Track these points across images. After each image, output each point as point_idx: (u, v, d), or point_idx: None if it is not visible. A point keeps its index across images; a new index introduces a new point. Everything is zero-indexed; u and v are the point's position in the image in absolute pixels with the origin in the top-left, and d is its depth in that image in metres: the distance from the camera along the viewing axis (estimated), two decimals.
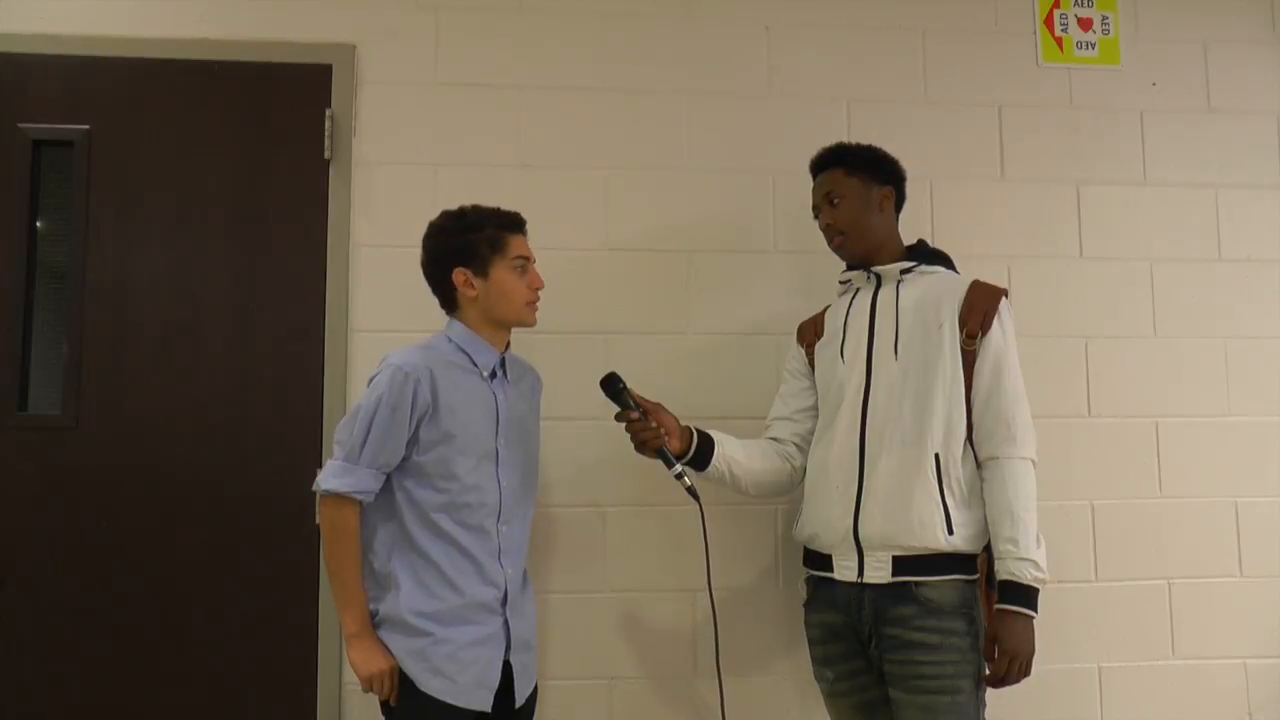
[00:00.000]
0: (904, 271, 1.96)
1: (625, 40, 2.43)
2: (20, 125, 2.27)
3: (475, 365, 1.88)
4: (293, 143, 2.32)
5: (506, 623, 1.84)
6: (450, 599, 1.79)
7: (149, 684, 2.18)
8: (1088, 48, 2.57)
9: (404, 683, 1.77)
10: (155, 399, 2.24)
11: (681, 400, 2.33)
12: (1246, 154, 2.57)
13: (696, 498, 1.94)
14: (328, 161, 2.31)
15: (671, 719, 2.28)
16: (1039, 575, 1.77)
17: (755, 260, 2.41)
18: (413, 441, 1.79)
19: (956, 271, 2.02)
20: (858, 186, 1.99)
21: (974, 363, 1.86)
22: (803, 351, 2.13)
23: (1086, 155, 2.52)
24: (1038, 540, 1.79)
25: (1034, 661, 1.79)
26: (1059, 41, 2.57)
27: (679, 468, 1.94)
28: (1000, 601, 1.78)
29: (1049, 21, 2.57)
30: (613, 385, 1.96)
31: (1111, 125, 2.55)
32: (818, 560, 1.96)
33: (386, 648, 1.78)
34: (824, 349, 2.06)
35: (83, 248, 2.26)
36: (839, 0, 2.51)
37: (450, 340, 1.90)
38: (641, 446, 1.95)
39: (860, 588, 1.85)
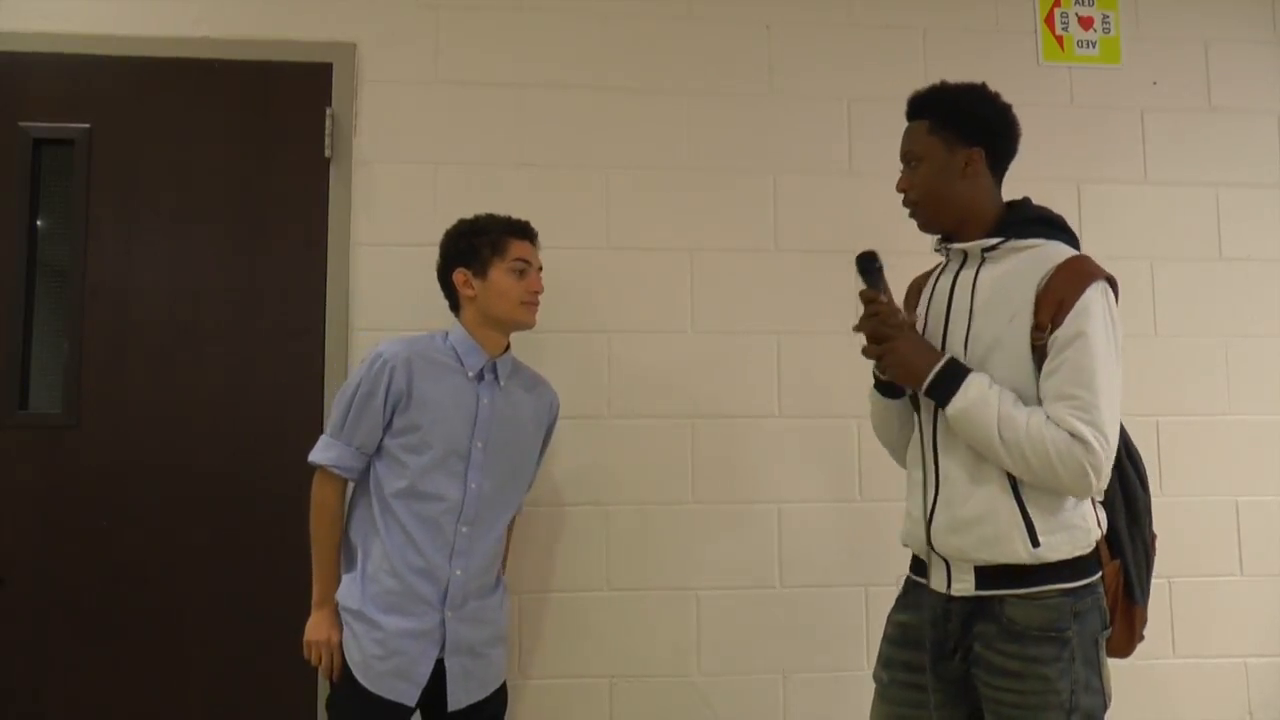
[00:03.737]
0: (987, 250, 1.63)
1: (625, 40, 2.43)
2: (21, 124, 2.27)
3: (462, 365, 1.91)
4: (293, 141, 2.32)
5: (444, 622, 1.84)
6: (389, 584, 1.82)
7: (149, 684, 2.18)
8: (1088, 46, 2.57)
9: (346, 666, 1.83)
10: (155, 398, 2.24)
11: (683, 398, 2.33)
12: (1247, 153, 2.57)
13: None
14: (328, 160, 2.31)
15: (671, 719, 2.28)
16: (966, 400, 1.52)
17: (755, 260, 2.41)
18: (387, 427, 1.86)
19: (1075, 240, 1.66)
20: (938, 149, 1.65)
21: (1044, 361, 1.53)
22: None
23: (1087, 154, 2.52)
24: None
25: None
26: (1059, 40, 2.57)
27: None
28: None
29: (1049, 20, 2.57)
30: (870, 263, 1.65)
31: (1112, 124, 2.54)
32: (915, 564, 1.74)
33: (339, 626, 1.85)
34: None
35: (83, 247, 2.26)
36: (839, 0, 2.51)
37: (446, 339, 1.94)
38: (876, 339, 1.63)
39: (948, 599, 1.62)
